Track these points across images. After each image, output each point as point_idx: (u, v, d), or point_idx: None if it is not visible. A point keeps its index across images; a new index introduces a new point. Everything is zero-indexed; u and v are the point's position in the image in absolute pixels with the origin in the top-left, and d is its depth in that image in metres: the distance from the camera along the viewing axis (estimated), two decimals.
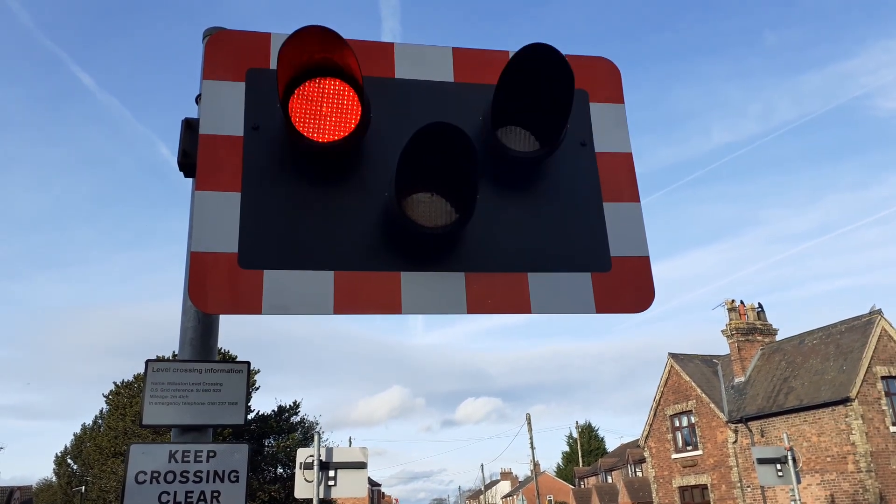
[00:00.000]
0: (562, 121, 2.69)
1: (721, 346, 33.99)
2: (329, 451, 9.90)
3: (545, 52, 2.61)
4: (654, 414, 34.57)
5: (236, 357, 32.48)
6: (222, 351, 30.76)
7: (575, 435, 76.42)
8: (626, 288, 2.81)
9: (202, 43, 3.13)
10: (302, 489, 9.76)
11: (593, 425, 79.13)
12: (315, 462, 9.74)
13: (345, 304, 2.55)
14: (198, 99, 3.08)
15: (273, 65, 2.78)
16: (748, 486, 28.82)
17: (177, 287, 3.42)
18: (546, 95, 2.71)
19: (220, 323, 3.37)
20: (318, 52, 2.54)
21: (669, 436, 33.49)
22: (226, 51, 2.82)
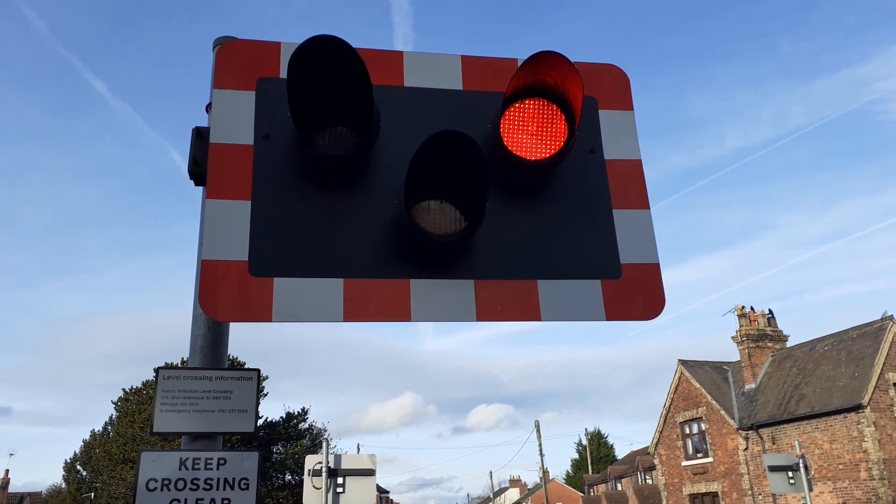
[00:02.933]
0: (571, 128, 2.70)
1: (732, 353, 33.80)
2: (338, 457, 9.90)
3: (554, 60, 2.62)
4: (664, 421, 34.37)
5: (245, 364, 32.55)
6: (231, 358, 30.86)
7: (584, 442, 76.10)
8: (636, 295, 2.81)
9: (212, 52, 3.16)
10: (310, 496, 9.75)
11: (603, 432, 78.75)
12: (323, 469, 9.73)
13: (354, 311, 2.55)
14: (208, 108, 3.10)
15: (283, 74, 2.80)
16: (759, 494, 28.57)
17: (187, 294, 3.44)
18: (555, 103, 2.71)
19: (230, 330, 3.39)
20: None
21: (679, 443, 33.28)
22: (236, 60, 2.84)
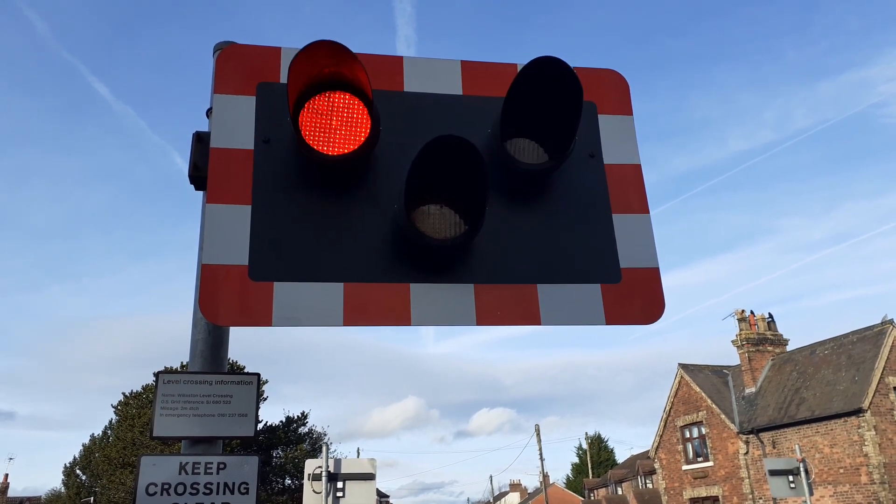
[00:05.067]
0: (570, 133, 2.70)
1: (734, 357, 33.75)
2: (337, 462, 9.89)
3: (554, 65, 2.62)
4: (665, 425, 34.33)
5: (244, 368, 32.53)
6: (231, 362, 30.81)
7: (585, 446, 76.00)
8: (636, 299, 2.81)
9: (213, 57, 3.17)
10: (310, 501, 9.74)
11: (603, 436, 78.66)
12: (323, 473, 9.72)
13: (354, 315, 2.55)
14: (209, 112, 3.11)
15: (283, 79, 2.81)
16: (760, 498, 28.52)
17: (188, 298, 3.44)
18: (554, 109, 2.72)
19: (230, 334, 3.39)
20: (327, 67, 2.57)
21: (680, 447, 33.24)
22: (236, 65, 2.85)
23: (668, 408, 34.19)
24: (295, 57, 2.45)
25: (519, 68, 2.83)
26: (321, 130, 2.64)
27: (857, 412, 24.67)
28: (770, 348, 32.29)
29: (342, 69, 2.58)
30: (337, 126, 2.66)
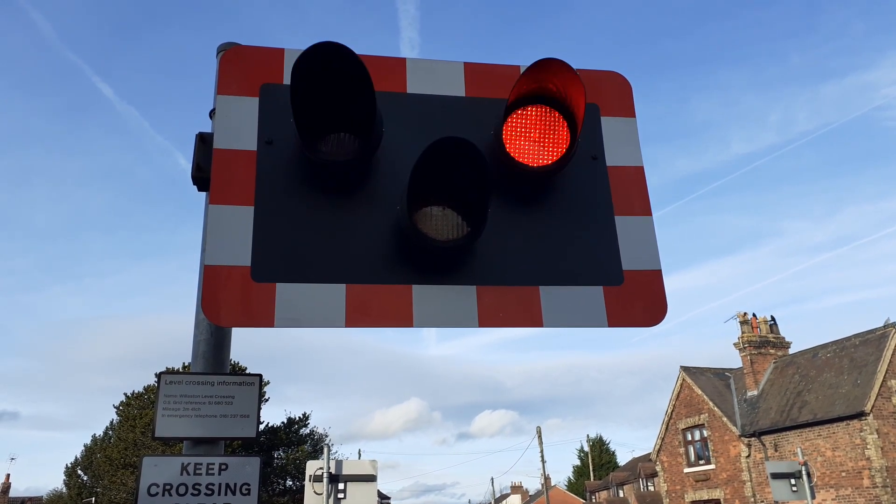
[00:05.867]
0: (573, 135, 2.70)
1: (736, 360, 33.70)
2: (339, 463, 9.89)
3: (556, 67, 2.63)
4: (666, 428, 34.28)
5: (246, 369, 32.54)
6: (233, 363, 30.86)
7: (586, 448, 75.90)
8: (639, 302, 2.81)
9: (216, 58, 3.18)
10: (311, 502, 9.73)
11: (605, 439, 78.56)
12: (325, 474, 9.72)
13: (356, 317, 2.55)
14: (212, 114, 3.11)
15: (287, 80, 2.82)
16: (762, 502, 28.46)
17: (190, 299, 3.44)
18: (557, 110, 2.72)
19: (232, 336, 3.39)
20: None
21: (682, 450, 33.18)
22: (240, 66, 2.85)
23: (669, 410, 34.14)
24: (298, 58, 2.45)
25: (522, 70, 2.83)
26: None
27: (860, 415, 24.61)
28: (772, 351, 32.23)
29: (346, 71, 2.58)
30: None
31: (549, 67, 2.63)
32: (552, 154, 2.78)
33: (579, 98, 2.65)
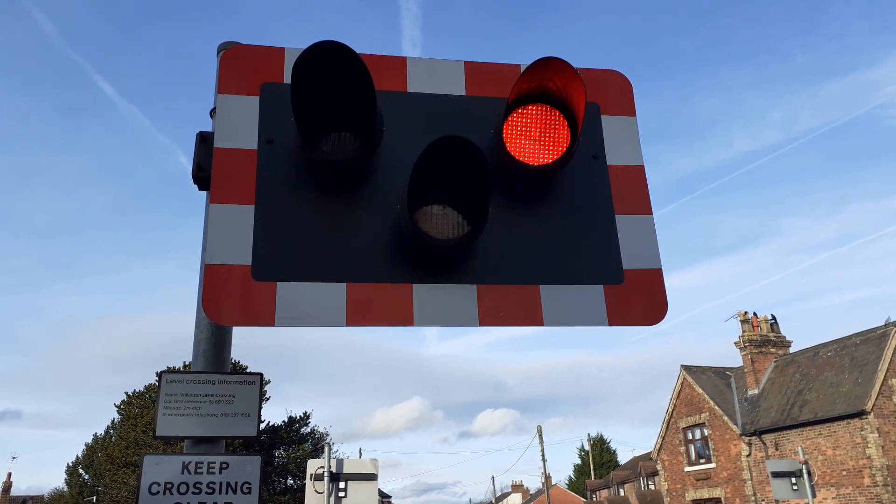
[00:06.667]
0: (573, 134, 2.70)
1: (736, 359, 33.69)
2: (339, 462, 9.89)
3: (557, 66, 2.63)
4: (667, 426, 34.28)
5: (247, 368, 32.56)
6: (233, 362, 30.84)
7: (587, 447, 75.91)
8: (639, 300, 2.81)
9: (217, 57, 3.18)
10: (312, 501, 9.74)
11: (605, 437, 78.54)
12: (325, 473, 9.73)
13: (357, 316, 2.56)
14: (212, 113, 3.11)
15: (287, 79, 2.82)
16: (762, 500, 28.47)
17: (191, 298, 3.44)
18: (558, 109, 2.72)
19: (233, 334, 3.40)
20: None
21: (682, 448, 33.18)
22: (240, 65, 2.85)
23: (670, 409, 34.14)
24: (299, 57, 2.45)
25: (522, 69, 2.84)
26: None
27: (860, 414, 24.61)
28: (773, 350, 32.22)
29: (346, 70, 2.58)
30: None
31: (549, 66, 2.64)
32: (553, 153, 2.78)
33: (580, 97, 2.65)
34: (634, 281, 2.84)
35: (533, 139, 2.80)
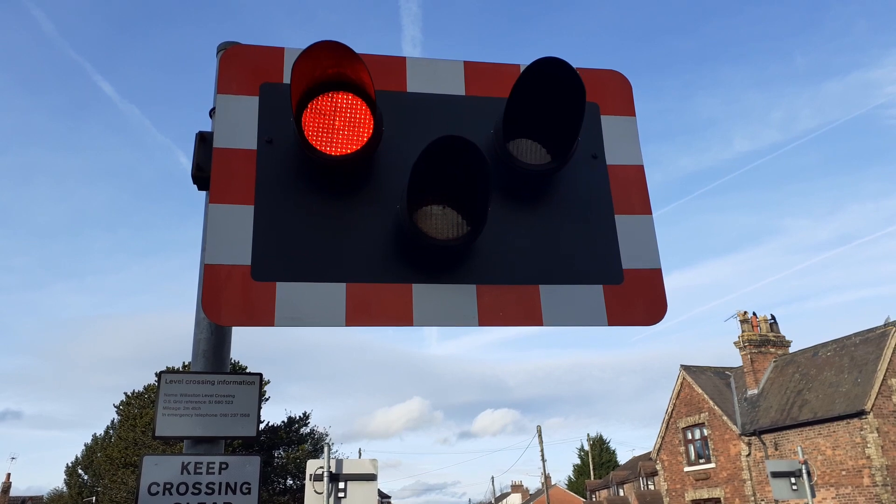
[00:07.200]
0: (573, 134, 2.70)
1: (736, 359, 33.72)
2: (339, 462, 9.89)
3: (557, 65, 2.62)
4: (667, 427, 34.29)
5: (246, 368, 32.56)
6: (233, 362, 30.85)
7: (586, 447, 75.92)
8: (638, 300, 2.81)
9: (216, 57, 3.17)
10: (312, 501, 9.74)
11: (605, 438, 78.55)
12: (325, 473, 9.73)
13: (357, 316, 2.55)
14: (212, 113, 3.11)
15: (286, 79, 2.82)
16: (762, 500, 28.48)
17: (191, 298, 3.45)
18: (557, 109, 2.72)
19: (232, 334, 3.39)
20: (330, 67, 2.57)
21: (682, 448, 33.19)
22: (239, 65, 2.85)
23: (669, 409, 34.15)
24: (298, 57, 2.45)
25: (522, 69, 2.83)
26: (324, 131, 2.65)
27: (860, 414, 24.62)
28: (772, 350, 32.24)
29: (345, 69, 2.58)
30: (340, 126, 2.66)
31: (548, 66, 2.63)
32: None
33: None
34: (634, 281, 2.84)
35: (532, 139, 2.78)
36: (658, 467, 35.04)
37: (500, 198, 2.79)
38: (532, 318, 2.69)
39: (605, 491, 63.45)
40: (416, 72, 2.98)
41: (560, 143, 2.78)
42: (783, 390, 29.59)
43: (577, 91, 2.62)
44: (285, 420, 36.25)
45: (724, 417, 30.48)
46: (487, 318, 2.64)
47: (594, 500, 64.73)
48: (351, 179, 2.73)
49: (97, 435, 49.99)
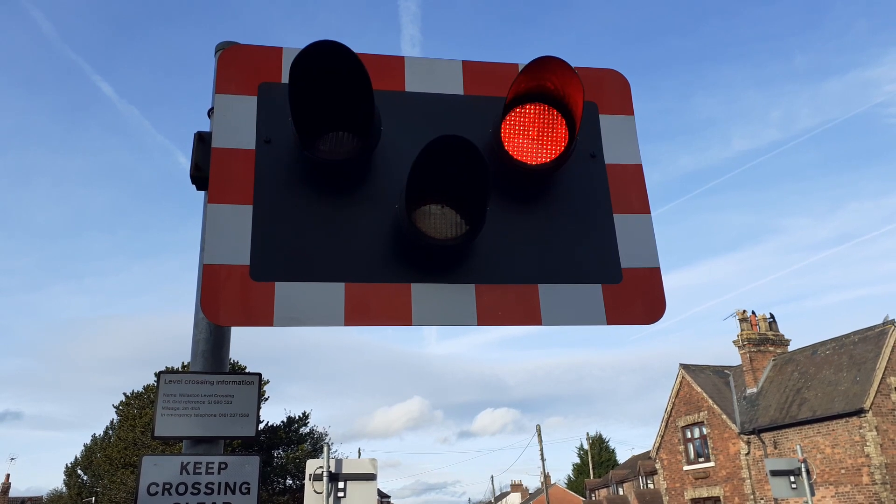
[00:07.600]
0: (571, 133, 2.71)
1: (735, 357, 33.74)
2: (339, 462, 9.89)
3: (555, 66, 2.63)
4: (666, 425, 34.30)
5: (245, 368, 32.55)
6: (232, 362, 30.83)
7: (586, 446, 75.94)
8: (637, 300, 2.81)
9: (214, 57, 3.17)
10: (311, 501, 9.74)
11: (604, 437, 78.61)
12: (324, 473, 9.72)
13: (355, 315, 2.56)
14: (210, 113, 3.11)
15: (285, 79, 2.81)
16: (761, 499, 28.50)
17: (190, 298, 3.45)
18: (556, 108, 2.72)
19: (231, 334, 3.39)
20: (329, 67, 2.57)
21: (681, 447, 33.21)
22: (238, 65, 2.85)
23: (669, 408, 34.17)
24: (296, 57, 2.45)
25: (520, 68, 2.83)
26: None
27: (859, 412, 24.64)
28: (771, 348, 32.26)
29: (343, 69, 2.58)
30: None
31: (547, 65, 2.64)
32: (551, 152, 2.78)
33: (577, 96, 2.65)
34: (632, 280, 2.84)
35: (531, 138, 2.80)
36: (657, 466, 35.05)
37: (499, 197, 2.79)
38: (531, 317, 2.69)
39: (605, 490, 63.46)
40: (415, 71, 2.98)
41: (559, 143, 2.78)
42: (782, 389, 29.61)
43: (576, 91, 2.63)
44: (285, 420, 36.24)
45: (724, 416, 30.50)
46: (486, 317, 2.64)
47: (594, 499, 64.75)
48: (349, 179, 2.73)
49: (96, 435, 49.98)
